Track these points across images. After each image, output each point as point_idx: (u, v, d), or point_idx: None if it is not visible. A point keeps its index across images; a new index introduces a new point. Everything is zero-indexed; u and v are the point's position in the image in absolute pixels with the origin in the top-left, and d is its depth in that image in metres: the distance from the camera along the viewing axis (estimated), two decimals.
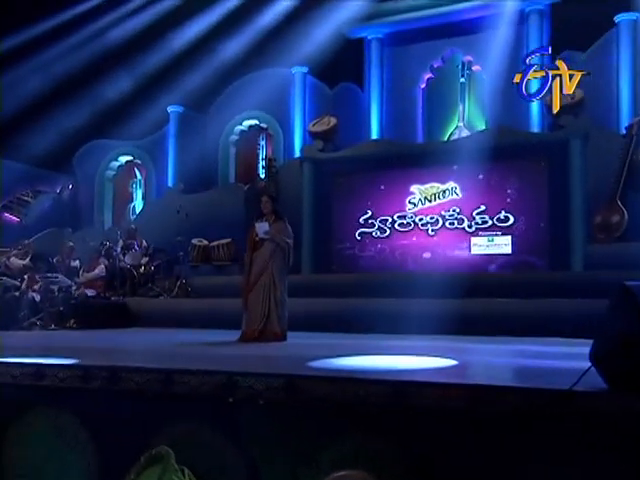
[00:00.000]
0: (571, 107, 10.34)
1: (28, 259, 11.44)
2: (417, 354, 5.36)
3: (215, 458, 3.80)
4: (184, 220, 11.86)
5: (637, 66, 11.15)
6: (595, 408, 3.00)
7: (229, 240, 12.08)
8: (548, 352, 5.83)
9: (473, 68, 12.43)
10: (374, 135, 12.91)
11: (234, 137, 14.44)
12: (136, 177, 15.29)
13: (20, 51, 13.54)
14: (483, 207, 10.85)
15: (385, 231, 11.51)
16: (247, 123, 14.31)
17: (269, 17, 13.60)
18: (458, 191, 11.08)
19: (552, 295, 8.51)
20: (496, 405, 3.00)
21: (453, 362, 4.72)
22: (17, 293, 10.69)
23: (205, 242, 12.30)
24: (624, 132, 10.31)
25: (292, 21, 13.13)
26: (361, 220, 11.67)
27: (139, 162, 15.23)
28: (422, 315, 7.95)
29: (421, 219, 11.28)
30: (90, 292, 10.89)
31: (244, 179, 13.82)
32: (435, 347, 6.14)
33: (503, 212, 10.72)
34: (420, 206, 11.32)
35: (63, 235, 13.84)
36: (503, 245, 10.74)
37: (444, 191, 11.18)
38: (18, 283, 10.98)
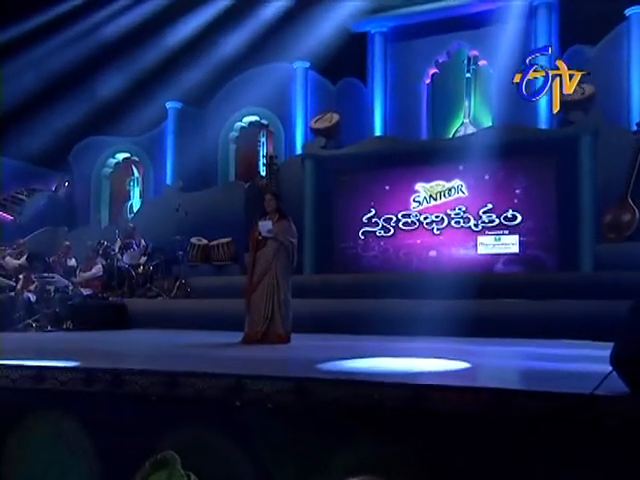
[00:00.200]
0: (581, 103, 10.31)
1: (24, 258, 11.41)
2: (428, 356, 5.33)
3: (222, 464, 3.76)
4: (183, 219, 11.81)
5: None
6: (617, 413, 2.97)
7: (229, 239, 12.05)
8: (561, 354, 5.80)
9: (479, 63, 12.41)
10: (378, 132, 12.88)
11: (234, 134, 14.40)
12: (134, 175, 15.25)
13: (14, 46, 13.50)
14: (490, 205, 10.81)
15: (389, 230, 11.47)
16: (247, 119, 14.28)
17: (270, 10, 13.57)
18: (464, 189, 11.04)
19: (561, 296, 8.48)
20: (517, 409, 2.97)
21: (465, 365, 4.69)
22: (12, 293, 10.66)
23: (204, 241, 12.26)
24: (635, 128, 10.29)
25: (293, 14, 13.09)
26: (364, 219, 11.63)
27: (137, 159, 15.20)
28: (428, 316, 7.93)
29: (426, 218, 11.24)
30: (87, 292, 10.86)
31: (244, 177, 13.79)
32: (444, 349, 6.11)
33: (510, 211, 10.68)
34: (425, 205, 11.28)
35: (59, 234, 13.81)
36: (510, 244, 10.70)
37: (450, 189, 11.14)
38: (13, 283, 10.95)
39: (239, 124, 14.33)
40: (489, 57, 12.16)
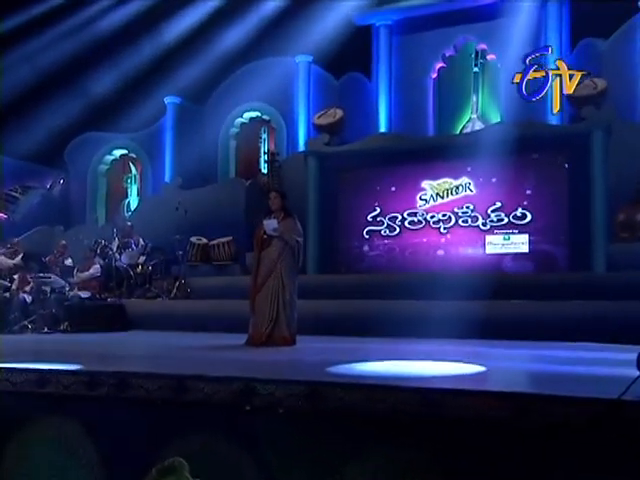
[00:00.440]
0: (593, 98, 10.28)
1: (19, 258, 11.37)
2: (440, 359, 5.30)
3: (231, 471, 3.74)
4: (182, 217, 11.77)
5: None
6: None
7: (229, 238, 12.02)
8: (575, 357, 5.78)
9: (487, 57, 12.37)
10: (382, 128, 12.85)
11: (234, 130, 14.37)
12: (131, 172, 15.22)
13: (7, 40, 13.46)
14: (498, 204, 10.77)
15: (394, 229, 11.44)
16: (248, 115, 14.24)
17: (271, 2, 13.55)
18: (472, 187, 11.01)
19: (573, 297, 8.46)
20: (542, 415, 2.94)
21: (481, 368, 4.66)
22: (7, 294, 10.62)
23: (204, 240, 12.22)
24: None
25: (296, 7, 13.06)
26: (369, 218, 11.60)
27: (134, 156, 15.16)
28: (437, 318, 7.91)
29: (433, 216, 11.20)
30: (85, 293, 10.82)
31: (245, 174, 13.76)
32: (456, 352, 6.09)
33: (520, 209, 10.64)
34: (432, 203, 11.25)
35: (54, 233, 13.78)
36: (520, 244, 10.67)
37: (457, 187, 11.11)
38: (8, 283, 10.91)
39: (239, 120, 14.30)
40: (498, 51, 12.12)
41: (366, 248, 11.67)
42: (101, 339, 8.54)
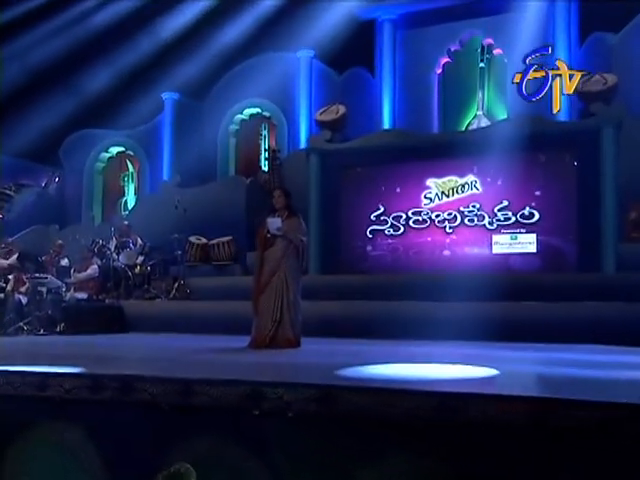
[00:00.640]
0: (602, 93, 10.26)
1: (14, 258, 11.34)
2: (450, 362, 5.28)
3: (239, 477, 3.71)
4: (181, 216, 11.75)
5: None
6: None
7: (229, 238, 12.01)
8: (586, 360, 5.75)
9: (494, 52, 12.40)
10: (386, 125, 12.86)
11: (234, 127, 14.37)
12: (128, 170, 15.22)
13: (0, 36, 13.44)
14: (505, 202, 10.75)
15: (399, 228, 11.41)
16: (248, 112, 14.25)
17: None
18: (478, 185, 10.99)
19: (582, 298, 8.46)
20: (567, 419, 2.92)
21: (494, 371, 4.64)
22: (1, 295, 10.60)
23: (204, 240, 12.22)
24: None
25: (297, 1, 13.03)
26: (372, 216, 11.57)
27: (131, 153, 15.16)
28: (443, 319, 7.91)
29: (438, 215, 11.18)
30: (82, 294, 10.80)
31: (245, 172, 13.76)
32: (464, 355, 6.06)
33: (527, 208, 10.62)
34: (437, 201, 11.23)
35: (49, 232, 13.77)
36: (527, 244, 10.65)
37: (463, 185, 11.09)
38: (3, 284, 10.89)
39: (239, 117, 14.30)
40: (504, 46, 12.13)
41: (369, 248, 11.64)
42: (99, 341, 8.50)
